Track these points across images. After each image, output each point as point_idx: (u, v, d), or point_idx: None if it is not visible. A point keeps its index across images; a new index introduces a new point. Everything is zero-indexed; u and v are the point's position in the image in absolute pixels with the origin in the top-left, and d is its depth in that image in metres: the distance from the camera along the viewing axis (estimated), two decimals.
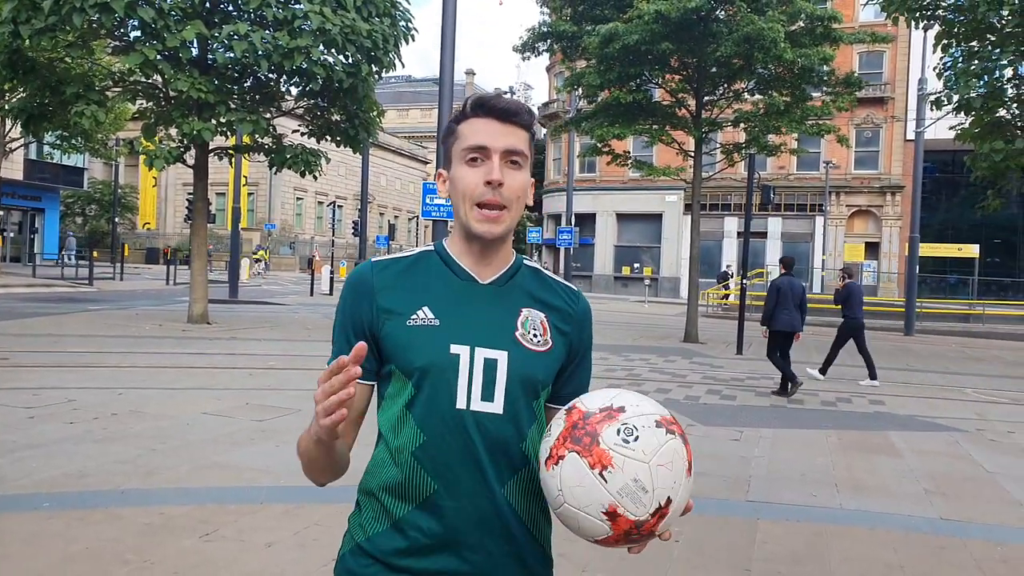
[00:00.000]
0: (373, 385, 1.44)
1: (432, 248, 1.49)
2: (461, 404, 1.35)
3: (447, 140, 1.44)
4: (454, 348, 1.36)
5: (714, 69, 17.01)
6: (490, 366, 1.36)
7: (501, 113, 1.39)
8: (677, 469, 1.21)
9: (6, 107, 17.21)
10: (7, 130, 26.74)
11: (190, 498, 4.81)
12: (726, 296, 32.19)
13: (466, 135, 1.39)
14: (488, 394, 1.36)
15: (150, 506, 4.64)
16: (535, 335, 1.41)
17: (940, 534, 4.81)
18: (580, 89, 18.06)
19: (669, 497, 1.20)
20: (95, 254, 32.04)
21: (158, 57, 13.84)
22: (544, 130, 47.01)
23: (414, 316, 1.38)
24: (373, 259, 1.50)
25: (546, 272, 1.51)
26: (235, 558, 3.89)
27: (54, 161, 39.82)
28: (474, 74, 77.55)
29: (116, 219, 45.85)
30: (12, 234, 40.43)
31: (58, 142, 27.59)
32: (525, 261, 1.51)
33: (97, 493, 4.84)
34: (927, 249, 31.99)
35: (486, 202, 1.37)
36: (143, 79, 15.43)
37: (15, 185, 36.55)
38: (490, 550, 1.35)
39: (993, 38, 15.92)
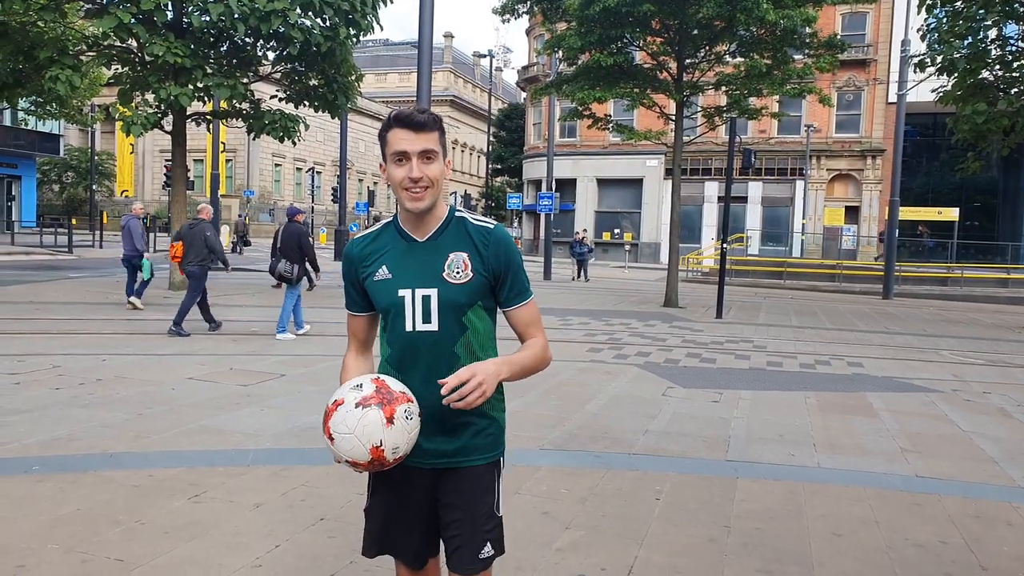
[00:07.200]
0: (372, 315, 2.14)
1: (392, 219, 2.10)
2: (409, 327, 2.00)
3: (380, 143, 1.99)
4: (400, 292, 2.00)
5: (696, 31, 16.89)
6: (426, 300, 1.99)
7: (415, 126, 1.92)
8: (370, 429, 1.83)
9: None
10: None
11: (179, 460, 4.86)
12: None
13: (392, 142, 1.95)
14: (427, 318, 1.99)
15: (139, 468, 4.67)
16: (458, 272, 1.99)
17: (915, 491, 4.92)
18: (561, 52, 17.87)
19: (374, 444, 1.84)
20: (74, 221, 31.61)
21: (132, 20, 13.58)
22: (524, 94, 46.57)
23: (377, 273, 2.04)
24: (354, 238, 2.13)
25: (470, 219, 2.06)
26: (224, 518, 3.95)
27: (29, 128, 39.10)
28: (453, 37, 76.55)
29: (94, 186, 45.18)
30: None
31: (32, 108, 27.05)
32: (457, 213, 2.07)
33: (86, 456, 4.88)
34: (907, 212, 32.21)
35: (409, 187, 1.93)
36: (117, 43, 15.14)
37: None
38: (442, 412, 1.96)
39: None
